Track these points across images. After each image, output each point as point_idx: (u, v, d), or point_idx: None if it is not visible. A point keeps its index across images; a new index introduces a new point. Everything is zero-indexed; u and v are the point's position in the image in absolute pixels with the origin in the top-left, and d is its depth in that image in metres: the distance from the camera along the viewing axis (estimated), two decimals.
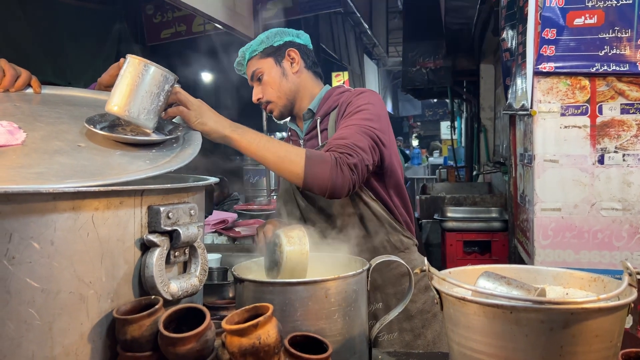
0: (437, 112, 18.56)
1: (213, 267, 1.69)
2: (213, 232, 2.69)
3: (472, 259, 4.05)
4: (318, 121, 1.69)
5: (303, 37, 1.76)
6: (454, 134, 7.90)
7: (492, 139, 5.96)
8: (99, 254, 0.87)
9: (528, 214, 2.59)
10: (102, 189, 0.86)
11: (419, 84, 6.60)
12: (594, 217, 2.36)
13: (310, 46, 1.79)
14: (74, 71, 4.36)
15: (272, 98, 1.70)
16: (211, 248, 2.38)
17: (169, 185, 0.98)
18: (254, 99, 1.72)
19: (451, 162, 8.09)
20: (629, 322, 2.66)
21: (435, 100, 16.24)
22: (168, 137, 1.21)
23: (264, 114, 4.69)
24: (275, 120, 1.82)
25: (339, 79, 10.40)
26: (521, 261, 2.85)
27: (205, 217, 3.03)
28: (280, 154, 1.38)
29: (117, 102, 1.14)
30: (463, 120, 8.85)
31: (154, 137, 1.18)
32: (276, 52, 1.70)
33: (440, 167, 8.13)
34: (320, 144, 1.66)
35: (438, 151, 15.40)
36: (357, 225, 1.64)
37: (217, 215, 2.81)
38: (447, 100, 7.40)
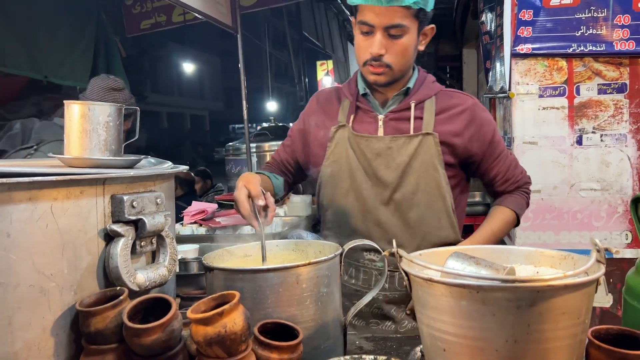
0: None
1: (190, 257, 1.67)
2: (193, 223, 2.67)
3: None
4: (413, 105, 1.54)
5: None
6: None
7: None
8: (59, 246, 0.85)
9: None
10: (60, 178, 0.84)
11: None
12: (573, 197, 2.38)
13: None
14: (50, 64, 4.24)
15: (396, 64, 1.47)
16: (190, 239, 2.35)
17: (132, 173, 0.96)
18: (376, 50, 1.43)
19: None
20: (609, 301, 2.67)
21: None
22: (140, 157, 1.13)
23: (244, 103, 4.56)
24: (374, 85, 1.54)
25: (324, 67, 10.32)
26: (502, 244, 2.86)
27: (185, 208, 3.02)
28: (504, 232, 1.69)
29: (69, 152, 1.06)
30: None
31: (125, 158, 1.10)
32: (423, 21, 1.46)
33: None
34: (411, 132, 1.53)
35: None
36: (437, 218, 1.58)
37: (197, 205, 2.79)
38: None
